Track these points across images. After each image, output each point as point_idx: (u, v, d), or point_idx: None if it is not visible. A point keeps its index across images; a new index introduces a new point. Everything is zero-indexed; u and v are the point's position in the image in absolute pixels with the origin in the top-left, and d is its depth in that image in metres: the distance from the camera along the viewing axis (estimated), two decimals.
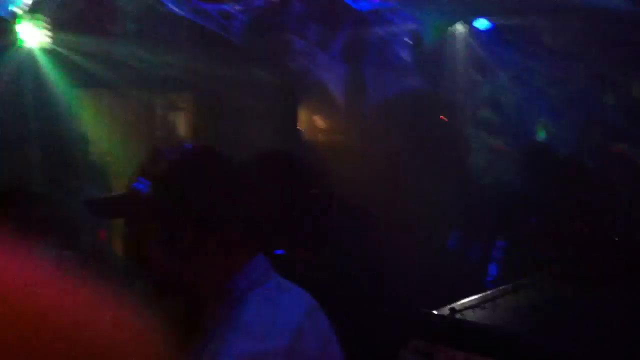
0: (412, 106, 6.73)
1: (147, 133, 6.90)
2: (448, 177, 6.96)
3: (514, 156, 6.60)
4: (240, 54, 6.50)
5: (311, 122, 7.93)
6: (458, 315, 3.04)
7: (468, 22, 6.58)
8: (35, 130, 5.33)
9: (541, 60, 6.45)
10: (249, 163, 2.39)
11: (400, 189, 6.81)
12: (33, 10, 5.31)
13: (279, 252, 2.50)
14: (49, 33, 5.33)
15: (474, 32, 6.67)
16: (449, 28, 6.39)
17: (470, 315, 3.02)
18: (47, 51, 5.50)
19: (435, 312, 3.53)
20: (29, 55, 5.40)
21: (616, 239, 3.13)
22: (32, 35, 5.32)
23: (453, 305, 2.99)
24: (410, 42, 6.52)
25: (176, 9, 5.58)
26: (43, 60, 5.54)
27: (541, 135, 6.54)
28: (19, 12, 5.16)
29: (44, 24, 5.33)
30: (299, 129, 7.68)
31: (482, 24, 6.48)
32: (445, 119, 6.96)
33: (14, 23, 5.16)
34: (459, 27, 6.64)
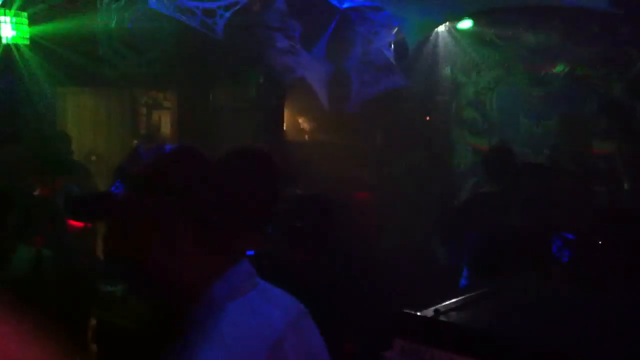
0: (396, 105, 6.76)
1: (130, 131, 6.88)
2: (431, 176, 7.02)
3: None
4: (223, 52, 6.48)
5: (295, 120, 7.94)
6: (442, 317, 3.03)
7: (451, 22, 6.60)
8: (15, 127, 5.30)
9: (523, 60, 6.47)
10: (223, 161, 2.38)
11: (383, 186, 6.85)
12: (13, 6, 5.27)
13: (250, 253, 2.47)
14: (30, 30, 5.29)
15: (458, 31, 6.69)
16: (433, 27, 6.40)
17: (454, 317, 3.01)
18: (28, 48, 5.46)
19: (419, 313, 3.53)
20: (10, 52, 5.36)
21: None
22: (13, 32, 5.28)
23: (437, 306, 2.98)
24: (394, 42, 6.52)
25: (159, 7, 5.55)
26: (25, 58, 5.50)
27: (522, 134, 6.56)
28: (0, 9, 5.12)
29: (25, 21, 5.29)
30: (283, 127, 7.68)
31: (465, 23, 6.50)
32: (429, 118, 7.01)
33: None
34: (443, 27, 6.66)
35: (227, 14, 5.90)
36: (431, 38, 6.74)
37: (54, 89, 5.88)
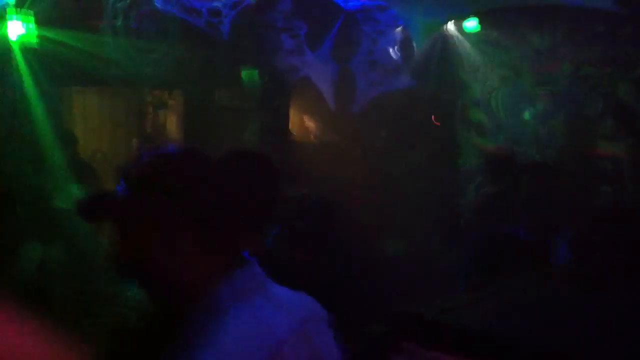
0: (401, 105, 6.75)
1: (136, 131, 6.90)
2: (435, 176, 7.01)
3: None
4: (229, 52, 6.49)
5: (301, 120, 7.94)
6: (447, 317, 3.03)
7: (457, 22, 6.58)
8: (21, 128, 5.31)
9: (529, 60, 6.46)
10: (224, 161, 2.38)
11: (389, 187, 6.85)
12: (21, 5, 5.28)
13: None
14: (37, 29, 5.30)
15: (464, 31, 6.68)
16: (439, 27, 6.39)
17: (459, 317, 3.01)
18: (34, 48, 5.47)
19: (424, 313, 3.53)
20: (16, 51, 5.38)
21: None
22: (20, 31, 5.30)
23: (442, 306, 2.98)
24: (399, 41, 6.52)
25: (164, 6, 5.56)
26: (30, 57, 5.51)
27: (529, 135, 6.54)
28: (7, 7, 5.13)
29: (32, 20, 5.30)
30: (288, 128, 7.69)
31: (471, 23, 6.48)
32: (435, 119, 7.00)
33: (3, 19, 5.13)
34: (449, 27, 6.64)
35: (233, 13, 5.92)
36: (437, 38, 6.72)
37: (59, 88, 5.89)
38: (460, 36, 6.67)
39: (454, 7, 5.85)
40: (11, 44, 5.28)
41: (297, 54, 6.91)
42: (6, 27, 5.19)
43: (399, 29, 6.46)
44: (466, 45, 6.68)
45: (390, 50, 6.50)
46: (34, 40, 5.44)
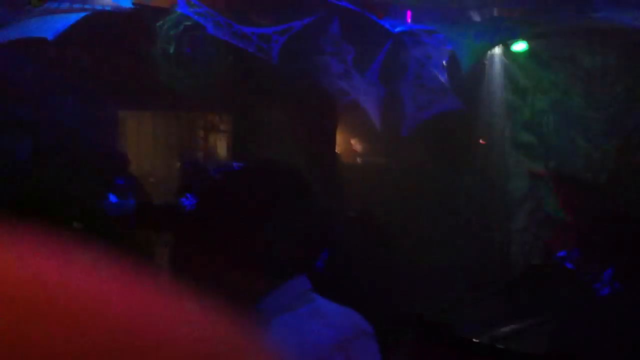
0: (450, 129, 6.72)
1: (187, 154, 7.02)
2: (486, 200, 6.94)
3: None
4: (279, 77, 6.58)
5: (348, 144, 7.98)
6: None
7: (506, 45, 6.55)
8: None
9: (581, 83, 6.37)
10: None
11: (437, 211, 6.80)
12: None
13: None
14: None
15: (512, 54, 6.64)
16: (487, 50, 6.37)
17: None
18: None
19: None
20: None
21: None
22: None
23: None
24: (448, 65, 6.51)
25: (216, 33, 5.68)
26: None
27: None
28: None
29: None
30: (336, 151, 7.72)
31: (519, 46, 6.44)
32: (483, 142, 6.94)
33: None
34: (497, 49, 6.61)
35: (283, 39, 6.00)
36: (486, 61, 6.70)
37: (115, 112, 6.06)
38: (509, 59, 6.63)
39: (502, 31, 5.83)
40: None
41: (345, 77, 6.96)
42: None
43: (447, 52, 6.46)
44: (515, 68, 6.64)
45: (439, 73, 6.49)
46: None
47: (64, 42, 5.31)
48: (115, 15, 5.43)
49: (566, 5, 5.62)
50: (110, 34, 5.63)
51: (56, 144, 5.16)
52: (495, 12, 6.14)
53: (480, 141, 6.79)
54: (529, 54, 6.53)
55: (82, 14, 5.26)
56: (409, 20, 6.10)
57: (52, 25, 5.03)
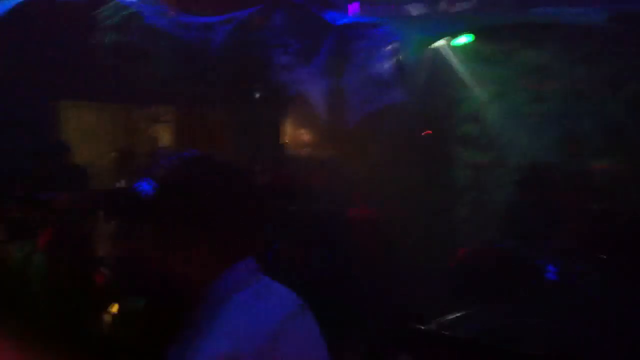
0: (393, 120, 6.75)
1: (129, 145, 6.89)
2: (429, 191, 7.01)
3: (496, 172, 6.65)
4: (222, 67, 6.50)
5: (293, 135, 7.94)
6: (445, 330, 3.04)
7: (450, 38, 6.60)
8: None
9: (522, 76, 6.47)
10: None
11: (381, 202, 6.84)
12: None
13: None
14: None
15: (456, 47, 6.69)
16: (431, 43, 6.40)
17: (457, 330, 3.01)
18: None
19: (422, 327, 3.54)
20: None
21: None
22: None
23: (440, 320, 3.00)
24: (392, 57, 6.53)
25: (156, 22, 5.57)
26: None
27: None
28: None
29: None
30: (281, 142, 7.69)
31: (462, 39, 6.50)
32: (426, 133, 7.00)
33: None
34: (441, 42, 6.65)
35: (224, 29, 5.93)
36: (430, 54, 6.73)
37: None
38: (452, 52, 6.68)
39: (446, 24, 5.87)
40: None
41: (289, 69, 6.93)
42: None
43: (391, 45, 6.47)
44: (459, 62, 6.69)
45: (383, 66, 6.51)
46: None
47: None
48: (51, 3, 5.27)
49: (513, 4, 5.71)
50: (46, 22, 5.47)
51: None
52: (440, 6, 6.17)
53: (423, 133, 6.85)
54: (471, 47, 6.59)
55: (17, 1, 5.10)
56: (352, 13, 6.08)
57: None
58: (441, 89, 6.86)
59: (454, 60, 6.69)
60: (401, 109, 6.60)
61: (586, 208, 5.85)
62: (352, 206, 6.46)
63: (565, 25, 5.95)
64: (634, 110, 6.07)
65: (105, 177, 6.07)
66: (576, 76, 6.29)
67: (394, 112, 6.64)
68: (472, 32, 6.30)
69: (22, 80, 5.46)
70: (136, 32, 5.76)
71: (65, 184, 4.91)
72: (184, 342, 1.48)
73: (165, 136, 7.12)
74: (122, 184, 5.49)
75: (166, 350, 1.53)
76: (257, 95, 6.90)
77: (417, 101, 6.69)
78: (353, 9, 5.96)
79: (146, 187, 1.54)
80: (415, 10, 6.03)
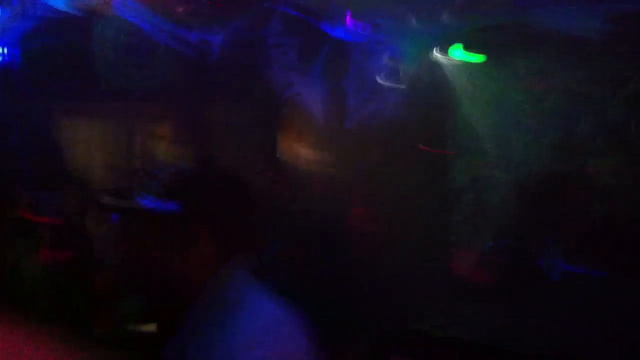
0: (392, 127, 6.76)
1: (126, 157, 6.92)
2: (429, 193, 7.04)
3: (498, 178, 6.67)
4: (220, 69, 6.50)
5: (292, 137, 7.94)
6: (437, 331, 3.08)
7: (446, 43, 6.59)
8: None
9: (519, 78, 6.46)
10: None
11: (378, 207, 6.87)
12: None
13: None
14: None
15: (452, 51, 6.67)
16: (427, 49, 6.40)
17: (449, 331, 3.05)
18: None
19: (415, 328, 3.59)
20: None
21: None
22: None
23: (440, 319, 3.04)
24: (388, 66, 6.53)
25: (155, 35, 5.58)
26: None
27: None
28: None
29: None
30: (279, 143, 7.70)
31: (459, 46, 6.49)
32: (423, 144, 7.01)
33: None
34: (437, 48, 6.64)
35: (223, 33, 5.94)
36: (425, 59, 6.73)
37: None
38: (449, 56, 6.67)
39: (443, 31, 5.87)
40: None
41: (288, 70, 6.93)
42: None
43: (388, 53, 6.47)
44: (455, 65, 6.69)
45: (380, 74, 6.52)
46: None
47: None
48: (53, 20, 5.31)
49: (505, 4, 5.68)
50: (49, 38, 5.51)
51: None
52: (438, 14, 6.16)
53: (420, 144, 6.87)
54: (467, 52, 6.58)
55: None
56: (349, 23, 6.07)
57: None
58: (438, 95, 6.86)
59: (451, 64, 6.69)
60: (399, 117, 6.61)
61: (588, 209, 5.91)
62: (352, 207, 6.52)
63: (562, 29, 5.93)
64: (635, 110, 6.08)
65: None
66: (575, 78, 6.28)
67: (392, 120, 6.66)
68: (469, 38, 6.29)
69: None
70: (135, 44, 5.78)
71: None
72: (182, 342, 1.55)
73: (165, 143, 7.14)
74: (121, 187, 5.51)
75: (163, 350, 1.56)
76: (256, 100, 6.91)
77: (414, 110, 6.70)
78: (351, 17, 5.96)
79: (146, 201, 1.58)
80: (412, 17, 6.02)
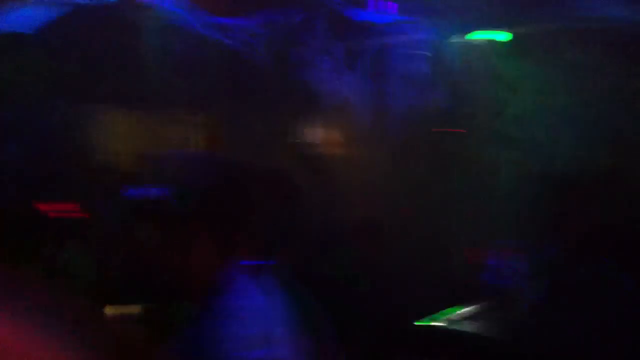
0: (433, 120, 6.70)
1: (160, 147, 6.95)
2: (465, 191, 6.92)
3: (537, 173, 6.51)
4: (262, 72, 6.53)
5: (334, 139, 7.93)
6: (445, 330, 3.01)
7: (493, 38, 6.52)
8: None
9: (564, 74, 6.34)
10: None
11: (418, 203, 6.78)
12: None
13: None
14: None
15: (498, 46, 6.60)
16: (470, 40, 6.32)
17: (457, 327, 2.98)
18: None
19: (422, 324, 3.50)
20: None
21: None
22: None
23: (440, 319, 2.98)
24: (433, 57, 6.48)
25: (199, 27, 5.63)
26: None
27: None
28: None
29: None
30: (320, 147, 7.67)
31: (502, 35, 6.41)
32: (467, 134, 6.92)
33: None
34: (483, 42, 6.58)
35: (267, 34, 5.97)
36: (471, 53, 6.67)
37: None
38: (495, 51, 6.60)
39: (485, 22, 5.81)
40: None
41: (334, 73, 6.93)
42: None
43: (432, 44, 6.43)
44: (501, 61, 6.61)
45: (424, 66, 6.47)
46: None
47: (44, 38, 5.25)
48: (95, 9, 5.37)
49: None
50: (92, 29, 5.56)
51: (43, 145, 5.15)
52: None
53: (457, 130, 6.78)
54: (513, 47, 6.51)
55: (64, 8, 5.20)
56: (393, 12, 6.06)
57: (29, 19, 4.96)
58: (482, 89, 6.78)
59: (497, 60, 6.61)
60: (439, 108, 6.55)
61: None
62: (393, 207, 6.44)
63: (609, 23, 5.83)
64: None
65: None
66: (617, 76, 6.15)
67: (433, 112, 6.60)
68: (514, 31, 6.22)
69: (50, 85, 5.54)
70: (171, 36, 5.80)
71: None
72: (186, 342, 1.53)
73: (197, 141, 7.17)
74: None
75: (166, 350, 1.55)
76: (295, 101, 6.91)
77: (458, 101, 6.63)
78: (394, 7, 5.94)
79: (155, 191, 1.57)
80: (455, 8, 5.97)
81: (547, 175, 5.35)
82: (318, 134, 7.23)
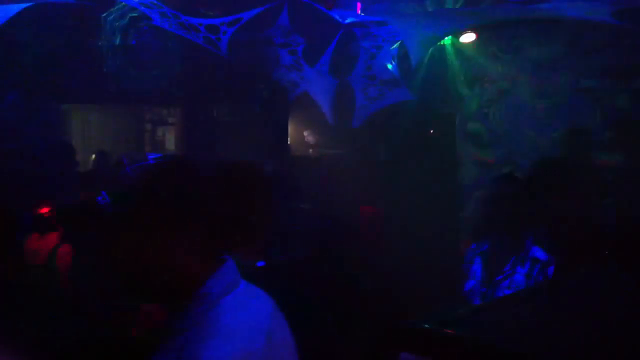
0: (400, 119, 6.75)
1: (135, 147, 6.91)
2: (436, 190, 7.00)
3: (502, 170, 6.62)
4: (228, 68, 6.50)
5: (300, 135, 7.95)
6: (448, 328, 3.00)
7: (455, 36, 6.60)
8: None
9: (527, 73, 6.45)
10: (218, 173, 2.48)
11: (387, 199, 6.84)
12: None
13: (261, 264, 2.58)
14: None
15: (461, 45, 6.70)
16: (436, 41, 6.40)
17: (460, 328, 2.98)
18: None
19: (424, 324, 3.51)
20: None
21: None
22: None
23: (443, 317, 2.98)
24: (398, 56, 6.53)
25: (163, 24, 5.57)
26: None
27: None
28: None
29: None
30: (287, 142, 7.69)
31: (468, 37, 6.51)
32: (433, 132, 7.00)
33: None
34: (446, 41, 6.66)
35: (231, 30, 5.92)
36: (435, 52, 6.74)
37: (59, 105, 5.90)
38: (457, 50, 6.69)
39: (451, 22, 5.87)
40: None
41: (295, 69, 6.93)
42: None
43: (397, 43, 6.47)
44: (464, 59, 6.70)
45: (389, 65, 6.51)
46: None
47: (5, 33, 5.13)
48: (59, 6, 5.27)
49: None
50: (54, 26, 5.46)
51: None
52: (445, 3, 6.19)
53: (430, 131, 6.85)
54: (477, 45, 6.60)
55: (24, 5, 5.08)
56: (359, 12, 6.08)
57: None
58: (446, 87, 6.86)
59: (460, 58, 6.70)
60: (406, 107, 6.60)
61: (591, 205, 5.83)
62: (355, 205, 6.48)
63: (571, 21, 5.93)
64: None
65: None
66: (582, 70, 6.27)
67: (400, 111, 6.65)
68: (478, 30, 6.30)
69: (29, 84, 5.46)
70: (142, 34, 5.76)
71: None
72: (172, 349, 1.48)
73: (169, 138, 7.15)
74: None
75: (151, 357, 1.52)
76: (263, 95, 6.90)
77: (422, 99, 6.69)
78: (360, 7, 5.96)
79: (104, 200, 1.53)
80: (420, 8, 6.04)
81: (513, 172, 5.47)
82: (282, 129, 7.24)
